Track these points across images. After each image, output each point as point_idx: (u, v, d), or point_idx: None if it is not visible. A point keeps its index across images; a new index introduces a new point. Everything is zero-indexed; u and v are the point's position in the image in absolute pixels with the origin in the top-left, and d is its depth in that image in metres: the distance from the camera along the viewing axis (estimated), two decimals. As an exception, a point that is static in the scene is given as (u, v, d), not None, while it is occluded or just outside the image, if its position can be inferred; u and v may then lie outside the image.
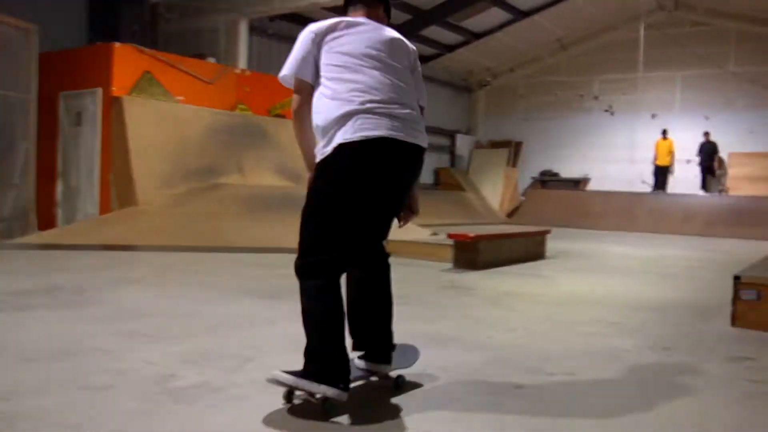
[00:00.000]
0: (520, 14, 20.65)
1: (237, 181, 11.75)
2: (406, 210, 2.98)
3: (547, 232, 9.82)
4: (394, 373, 2.98)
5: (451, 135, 24.02)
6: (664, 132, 20.15)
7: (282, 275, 6.77)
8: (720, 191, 19.76)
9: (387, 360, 2.91)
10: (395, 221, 2.88)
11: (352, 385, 2.69)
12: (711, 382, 3.36)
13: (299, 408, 2.65)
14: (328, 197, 2.60)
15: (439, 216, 18.07)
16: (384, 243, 2.96)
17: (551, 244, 10.14)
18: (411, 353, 3.10)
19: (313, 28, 2.73)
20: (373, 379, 2.97)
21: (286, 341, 3.84)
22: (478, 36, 21.55)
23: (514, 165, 23.30)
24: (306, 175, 2.79)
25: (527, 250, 9.16)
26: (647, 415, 2.80)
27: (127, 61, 11.20)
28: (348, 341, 2.67)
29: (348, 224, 2.59)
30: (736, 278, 4.82)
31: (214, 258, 8.00)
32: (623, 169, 21.68)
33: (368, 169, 2.58)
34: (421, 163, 2.77)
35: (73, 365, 3.22)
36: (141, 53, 11.47)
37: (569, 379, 3.31)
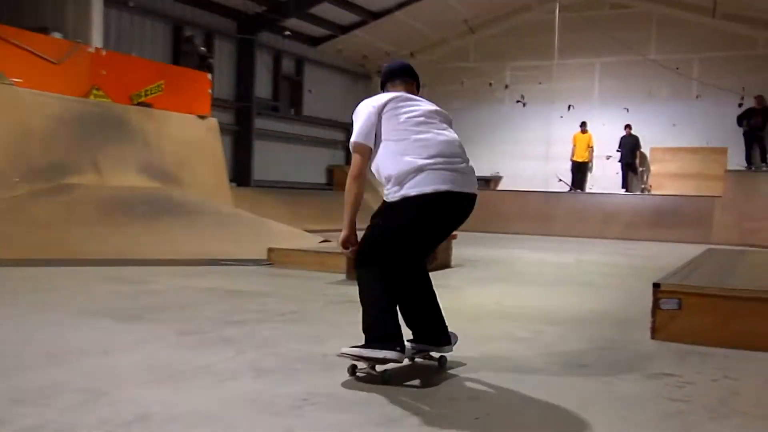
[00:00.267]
0: (423, -9, 20.93)
1: (92, 181, 11.33)
2: None
3: (453, 237, 9.96)
4: (436, 354, 4.04)
5: (346, 128, 24.06)
6: (583, 125, 20.98)
7: (148, 292, 6.57)
8: (642, 190, 20.76)
9: (448, 342, 4.03)
10: None
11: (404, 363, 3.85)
12: (627, 401, 3.50)
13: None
14: (397, 223, 3.72)
15: (332, 220, 17.82)
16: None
17: (458, 251, 10.30)
18: (453, 338, 4.10)
19: (373, 102, 3.88)
20: (419, 360, 4.03)
21: (146, 370, 3.71)
22: (375, 15, 21.69)
23: (416, 162, 23.60)
24: (344, 232, 3.83)
25: (431, 258, 9.25)
26: (558, 440, 2.88)
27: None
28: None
29: (404, 246, 3.76)
30: (656, 286, 5.05)
31: (60, 273, 7.66)
32: (538, 167, 22.35)
33: (433, 214, 3.71)
34: (474, 206, 3.85)
35: None
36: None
37: (471, 405, 3.36)
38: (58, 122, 11.49)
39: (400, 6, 21.46)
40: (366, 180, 3.85)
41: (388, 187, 3.76)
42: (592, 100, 22.26)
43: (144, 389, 3.40)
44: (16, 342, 4.37)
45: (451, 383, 3.73)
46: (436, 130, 3.83)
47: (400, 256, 3.77)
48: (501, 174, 23.11)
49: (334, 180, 22.67)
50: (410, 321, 3.97)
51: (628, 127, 20.78)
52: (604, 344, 4.88)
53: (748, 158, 19.42)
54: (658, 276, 5.75)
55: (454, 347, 4.09)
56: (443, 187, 3.65)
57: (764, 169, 19.23)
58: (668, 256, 12.12)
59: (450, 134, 3.88)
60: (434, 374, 3.88)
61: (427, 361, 4.05)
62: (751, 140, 19.36)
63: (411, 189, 3.65)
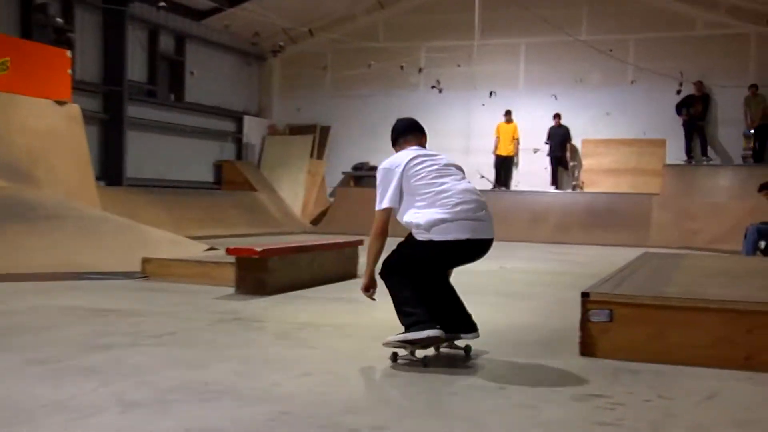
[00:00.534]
0: (326, -42, 20.91)
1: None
2: None
3: (359, 243, 10.01)
4: (462, 343, 5.08)
5: (238, 117, 23.86)
6: (507, 114, 21.34)
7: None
8: (574, 187, 21.28)
9: (474, 329, 5.03)
10: None
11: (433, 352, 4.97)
12: (552, 427, 3.57)
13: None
14: (420, 256, 4.87)
15: (221, 225, 17.88)
16: None
17: (365, 259, 10.31)
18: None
19: (396, 162, 5.03)
20: (444, 349, 5.07)
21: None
22: (268, -15, 21.58)
23: (320, 157, 23.57)
24: (365, 281, 5.03)
25: (335, 267, 9.28)
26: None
27: None
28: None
29: (423, 271, 4.92)
30: (584, 295, 5.17)
31: None
32: (457, 161, 22.53)
33: (453, 255, 4.91)
34: (491, 247, 4.98)
35: None
36: None
37: (378, 435, 3.38)
38: None
39: (296, -26, 21.38)
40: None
41: (416, 231, 4.89)
42: (518, 86, 22.66)
43: (-16, 431, 3.28)
44: None
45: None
46: (454, 179, 4.97)
47: (418, 271, 4.90)
48: (416, 170, 23.27)
49: (223, 178, 22.41)
50: (436, 314, 4.81)
51: (557, 116, 21.24)
52: (528, 363, 4.97)
53: (688, 151, 20.22)
54: (589, 284, 5.90)
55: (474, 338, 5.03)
56: (464, 236, 4.78)
57: (705, 162, 20.06)
58: (602, 260, 12.46)
59: (466, 183, 5.04)
60: (459, 361, 4.95)
61: (453, 350, 5.08)
62: (691, 131, 20.14)
63: (436, 235, 4.77)
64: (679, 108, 20.07)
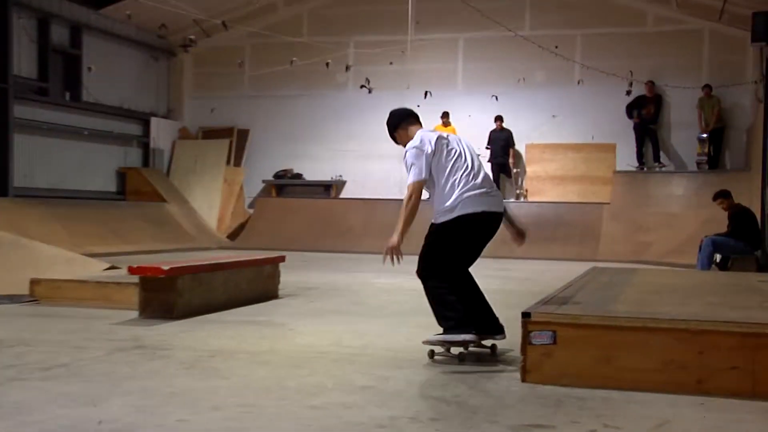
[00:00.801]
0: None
1: None
2: (517, 236, 6.57)
3: (281, 259, 9.97)
4: (488, 343, 6.15)
5: (144, 119, 23.56)
6: (445, 116, 21.42)
7: None
8: (517, 196, 21.50)
9: (501, 331, 6.10)
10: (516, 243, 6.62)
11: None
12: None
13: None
14: (446, 239, 6.05)
15: (125, 241, 17.67)
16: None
17: (289, 277, 10.30)
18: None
19: (425, 140, 6.14)
20: (472, 348, 6.03)
21: None
22: (175, -30, 21.40)
23: (237, 164, 23.44)
24: (393, 238, 6.04)
25: (254, 286, 9.24)
26: None
27: None
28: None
29: (453, 257, 6.08)
30: (525, 315, 5.23)
31: None
32: (391, 169, 22.48)
33: (473, 229, 6.06)
34: (500, 222, 6.29)
35: None
36: None
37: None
38: None
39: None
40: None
41: (442, 211, 6.05)
42: (456, 86, 22.83)
43: None
44: None
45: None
46: (472, 159, 6.22)
47: (452, 268, 6.05)
48: (344, 178, 23.32)
49: (127, 187, 22.08)
50: (469, 317, 5.95)
51: (498, 119, 21.45)
52: (464, 391, 4.98)
53: (640, 156, 20.61)
54: (532, 303, 5.96)
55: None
56: (481, 209, 6.02)
57: (658, 169, 20.46)
58: (547, 276, 12.61)
59: (478, 162, 6.31)
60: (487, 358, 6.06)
61: (480, 349, 6.11)
62: (642, 134, 20.56)
63: (461, 211, 5.96)
64: (630, 110, 20.47)
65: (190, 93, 24.94)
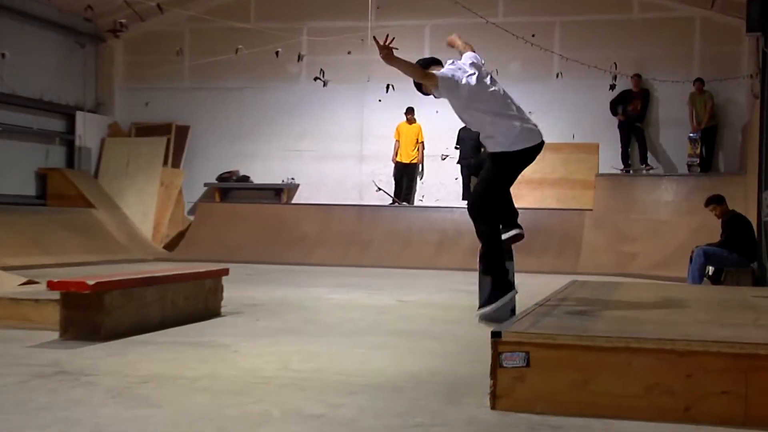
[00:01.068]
0: None
1: None
2: None
3: (224, 272, 9.92)
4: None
5: (68, 114, 23.35)
6: (409, 112, 21.45)
7: None
8: (489, 202, 21.52)
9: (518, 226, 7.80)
10: None
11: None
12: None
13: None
14: (494, 173, 7.28)
15: (47, 251, 17.54)
16: None
17: (233, 292, 10.26)
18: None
19: (468, 62, 7.34)
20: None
21: None
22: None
23: (176, 165, 23.33)
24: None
25: (192, 303, 9.16)
26: None
27: None
28: None
29: (502, 188, 7.47)
30: (495, 335, 5.22)
31: None
32: (349, 171, 22.63)
33: (519, 163, 7.30)
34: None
35: None
36: None
37: None
38: None
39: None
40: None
41: (488, 139, 7.24)
42: (421, 79, 22.81)
43: None
44: None
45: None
46: (504, 90, 7.28)
47: (496, 202, 7.32)
48: (297, 181, 23.29)
49: (48, 190, 21.87)
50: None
51: (469, 115, 21.46)
52: (425, 419, 4.96)
53: (625, 157, 20.74)
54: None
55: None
56: (526, 145, 7.12)
57: (645, 171, 20.58)
58: (522, 292, 12.50)
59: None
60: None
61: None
62: (628, 133, 20.68)
63: (512, 146, 7.07)
64: (614, 106, 20.60)
65: (121, 84, 24.76)
